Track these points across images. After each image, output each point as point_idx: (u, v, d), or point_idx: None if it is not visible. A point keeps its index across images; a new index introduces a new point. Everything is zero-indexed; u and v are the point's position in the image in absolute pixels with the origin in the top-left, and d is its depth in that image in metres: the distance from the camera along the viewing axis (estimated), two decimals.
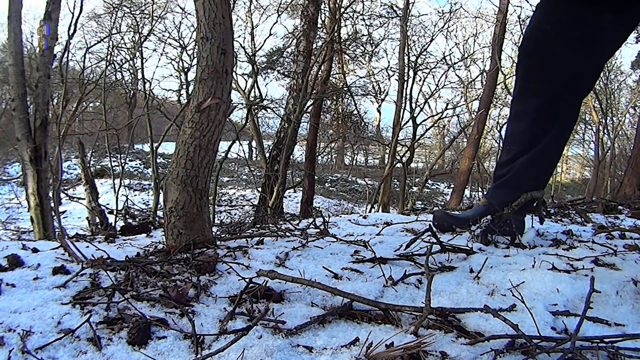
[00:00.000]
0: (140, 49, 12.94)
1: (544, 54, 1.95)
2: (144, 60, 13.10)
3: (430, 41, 14.10)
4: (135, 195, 15.41)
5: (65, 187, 13.56)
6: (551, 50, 1.94)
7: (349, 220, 2.81)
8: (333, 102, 17.91)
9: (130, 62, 15.07)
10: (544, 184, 2.18)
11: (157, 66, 34.17)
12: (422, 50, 13.05)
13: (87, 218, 6.67)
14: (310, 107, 10.54)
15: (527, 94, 2.07)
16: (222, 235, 2.15)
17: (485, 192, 2.34)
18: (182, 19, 20.81)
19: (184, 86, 18.73)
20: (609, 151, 20.38)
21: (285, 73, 14.74)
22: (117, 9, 12.79)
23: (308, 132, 12.34)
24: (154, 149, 7.85)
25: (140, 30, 13.33)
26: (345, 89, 14.47)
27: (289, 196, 14.97)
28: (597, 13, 1.84)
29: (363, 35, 14.55)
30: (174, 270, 1.47)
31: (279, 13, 13.87)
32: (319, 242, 2.01)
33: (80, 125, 19.61)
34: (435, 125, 20.43)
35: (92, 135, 12.37)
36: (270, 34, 17.80)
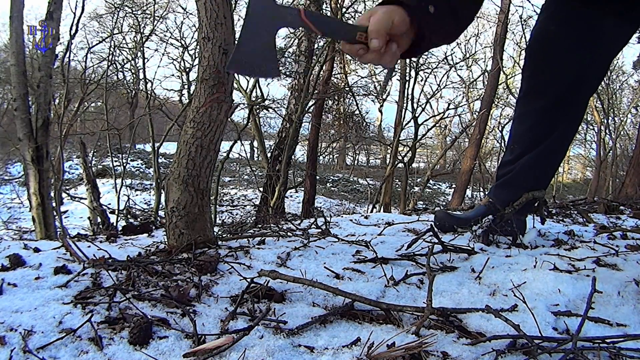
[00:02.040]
0: (141, 49, 12.95)
1: (550, 55, 1.96)
2: (146, 60, 13.14)
3: None
4: (136, 195, 15.42)
5: (67, 187, 13.57)
6: (556, 52, 1.94)
7: (351, 220, 2.81)
8: (335, 102, 17.89)
9: (132, 62, 15.06)
10: (546, 184, 2.18)
11: (158, 66, 34.31)
12: None
13: (89, 218, 6.66)
14: (312, 107, 10.54)
15: (532, 94, 2.07)
16: (224, 235, 2.16)
17: (487, 192, 2.34)
18: (184, 19, 20.87)
19: (186, 86, 18.72)
20: (611, 151, 20.36)
21: (287, 73, 14.74)
22: (118, 9, 12.79)
23: (309, 132, 12.34)
24: (156, 148, 7.86)
25: (141, 30, 13.34)
26: (347, 89, 14.47)
27: (291, 196, 14.97)
28: (601, 16, 1.85)
29: None
30: (175, 270, 1.47)
31: None
32: (320, 242, 2.01)
33: (81, 125, 19.61)
34: (437, 125, 20.40)
35: (93, 135, 12.36)
36: None
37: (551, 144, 2.06)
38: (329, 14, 10.88)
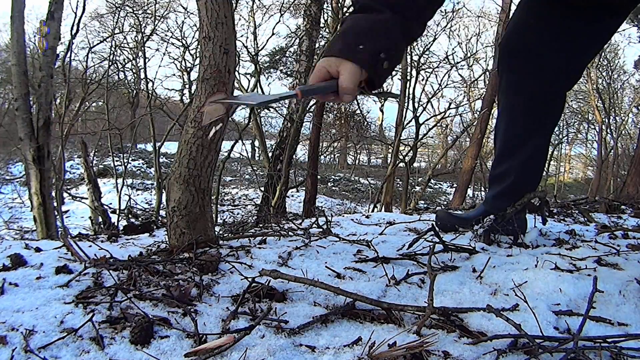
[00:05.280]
0: (142, 48, 12.96)
1: (524, 53, 1.97)
2: (147, 59, 13.14)
3: (433, 40, 14.09)
4: (138, 194, 15.40)
5: (68, 187, 13.57)
6: (531, 51, 1.95)
7: (352, 219, 2.80)
8: None
9: (133, 61, 15.07)
10: (540, 180, 2.19)
11: (159, 66, 34.29)
12: (425, 49, 13.05)
13: (90, 217, 6.68)
14: (313, 107, 10.54)
15: (510, 91, 2.08)
16: (225, 235, 2.16)
17: (483, 201, 2.35)
18: (185, 18, 20.85)
19: (187, 86, 18.80)
20: (612, 151, 20.36)
21: (288, 73, 14.73)
22: (119, 9, 12.79)
23: (311, 131, 12.34)
24: (157, 148, 7.86)
25: (142, 30, 13.34)
26: None
27: (292, 196, 14.94)
28: (571, 20, 1.85)
29: None
30: (176, 269, 1.47)
31: (282, 12, 13.84)
32: (321, 241, 2.01)
33: (83, 125, 19.63)
34: (438, 124, 20.40)
35: (94, 135, 12.38)
36: (273, 34, 17.79)
37: (539, 142, 2.07)
38: (330, 13, 10.88)
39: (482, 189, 17.67)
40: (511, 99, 2.09)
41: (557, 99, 2.05)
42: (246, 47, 14.17)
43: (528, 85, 1.99)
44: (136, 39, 15.15)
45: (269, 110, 15.05)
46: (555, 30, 1.89)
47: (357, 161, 31.03)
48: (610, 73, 20.61)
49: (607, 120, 20.01)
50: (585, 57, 2.04)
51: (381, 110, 27.62)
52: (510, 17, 2.08)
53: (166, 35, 16.97)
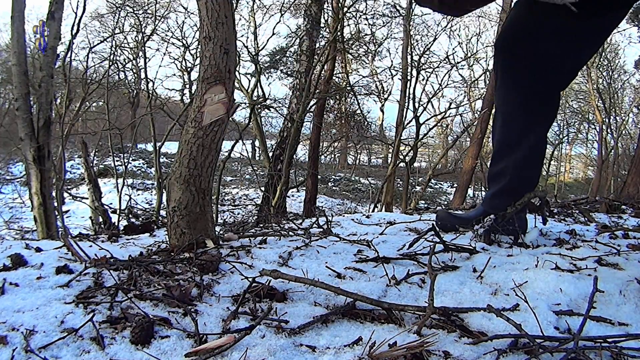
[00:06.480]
0: (143, 48, 12.93)
1: (519, 52, 1.98)
2: (147, 59, 13.11)
3: (434, 40, 14.06)
4: (138, 194, 15.40)
5: (69, 187, 13.56)
6: (526, 49, 1.95)
7: (352, 219, 2.80)
8: (336, 101, 17.87)
9: (133, 61, 15.08)
10: (538, 180, 2.19)
11: (160, 66, 34.03)
12: (425, 49, 13.02)
13: (91, 217, 6.66)
14: (314, 107, 10.53)
15: (506, 89, 2.08)
16: (226, 235, 2.16)
17: (482, 201, 2.35)
18: (185, 18, 20.83)
19: (187, 85, 18.79)
20: (613, 150, 20.36)
21: (288, 72, 14.70)
22: (120, 9, 12.78)
23: (311, 131, 12.33)
24: (157, 148, 7.84)
25: (143, 30, 13.32)
26: (349, 88, 14.45)
27: (292, 195, 14.93)
28: (566, 18, 1.85)
29: (366, 34, 14.52)
30: (177, 269, 1.47)
31: (282, 12, 13.84)
32: (322, 241, 2.01)
33: (83, 125, 19.63)
34: (439, 124, 20.39)
35: (95, 135, 12.36)
36: (273, 34, 17.76)
37: (536, 141, 2.07)
38: (330, 13, 10.88)
39: (483, 188, 17.66)
40: (507, 98, 2.09)
41: (552, 97, 2.05)
42: (246, 47, 14.19)
43: (523, 84, 1.99)
44: (136, 39, 15.17)
45: (270, 110, 15.05)
46: (550, 29, 1.89)
47: (357, 161, 31.00)
48: (610, 73, 20.61)
49: (607, 120, 20.01)
50: (581, 56, 2.03)
51: (381, 110, 27.58)
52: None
53: (166, 35, 16.98)
